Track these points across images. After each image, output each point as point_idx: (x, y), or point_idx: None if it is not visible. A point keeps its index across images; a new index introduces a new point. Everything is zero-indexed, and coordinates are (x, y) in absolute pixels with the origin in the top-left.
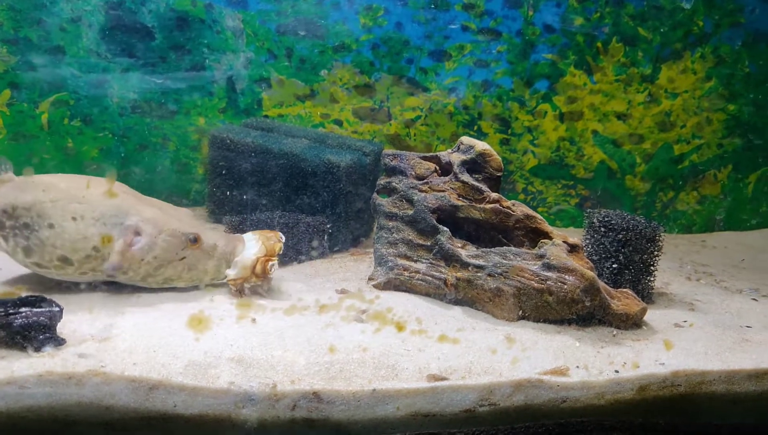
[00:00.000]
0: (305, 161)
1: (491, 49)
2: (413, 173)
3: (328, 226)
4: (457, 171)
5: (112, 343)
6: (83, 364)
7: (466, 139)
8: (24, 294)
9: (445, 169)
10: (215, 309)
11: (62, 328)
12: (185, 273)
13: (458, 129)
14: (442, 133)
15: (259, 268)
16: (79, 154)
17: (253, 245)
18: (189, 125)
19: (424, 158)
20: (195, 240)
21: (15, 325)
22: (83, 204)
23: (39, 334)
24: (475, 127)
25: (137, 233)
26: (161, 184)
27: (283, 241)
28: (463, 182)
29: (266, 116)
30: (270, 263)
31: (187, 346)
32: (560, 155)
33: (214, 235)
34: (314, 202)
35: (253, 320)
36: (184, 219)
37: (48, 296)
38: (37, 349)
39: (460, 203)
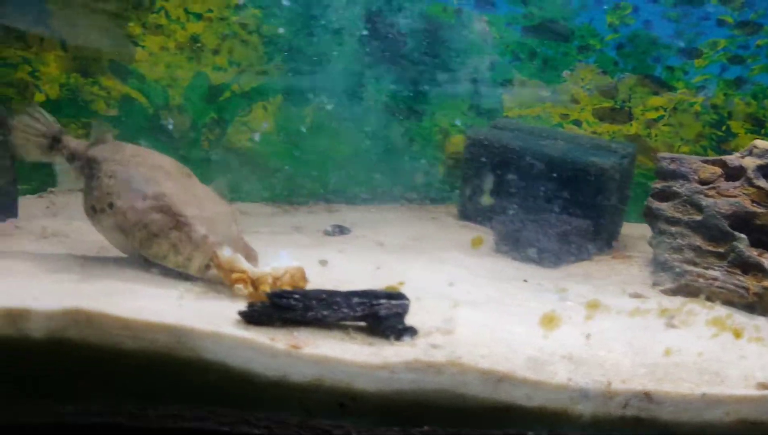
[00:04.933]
0: (567, 163)
1: (749, 44)
2: (696, 177)
3: (591, 228)
4: (752, 176)
5: (456, 336)
6: (439, 354)
7: (760, 143)
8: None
9: (731, 174)
10: (564, 308)
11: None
12: (171, 254)
13: (704, 129)
14: (686, 134)
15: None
16: (335, 153)
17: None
18: (434, 126)
19: (706, 162)
20: (182, 224)
21: (380, 315)
22: (122, 166)
23: (398, 324)
24: (723, 127)
25: (144, 199)
26: (406, 183)
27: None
28: (758, 188)
29: (506, 117)
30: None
31: (522, 341)
32: None
33: (212, 230)
34: (574, 204)
35: (589, 336)
36: (210, 208)
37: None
38: (397, 338)
39: (758, 210)
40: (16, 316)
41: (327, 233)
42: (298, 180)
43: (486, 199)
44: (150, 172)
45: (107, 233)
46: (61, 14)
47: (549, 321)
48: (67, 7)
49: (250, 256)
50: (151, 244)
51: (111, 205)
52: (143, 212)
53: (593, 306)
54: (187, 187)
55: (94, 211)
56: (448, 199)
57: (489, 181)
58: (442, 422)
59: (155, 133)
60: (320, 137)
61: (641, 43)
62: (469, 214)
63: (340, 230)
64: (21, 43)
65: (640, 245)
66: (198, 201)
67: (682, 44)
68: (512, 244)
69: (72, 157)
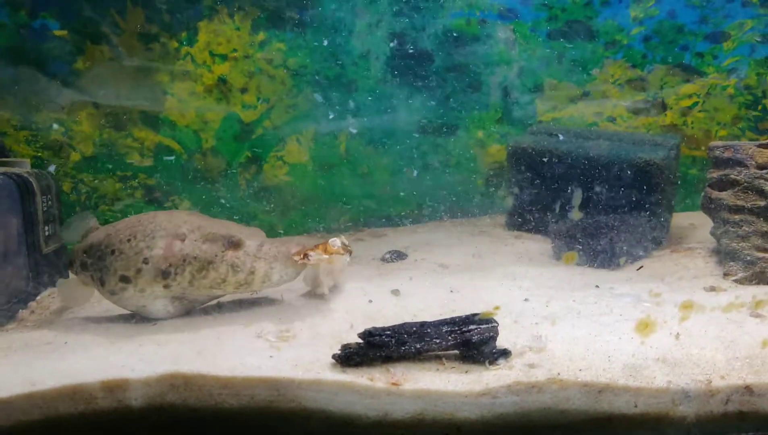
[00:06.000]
0: (618, 162)
1: None
2: (753, 163)
3: (648, 224)
4: None
5: (549, 353)
6: (538, 373)
7: None
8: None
9: None
10: (643, 311)
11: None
12: (231, 276)
13: (740, 111)
14: (721, 118)
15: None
16: (372, 177)
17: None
18: (468, 139)
19: (761, 146)
20: (235, 242)
21: (473, 341)
22: (137, 227)
23: (492, 348)
24: (759, 107)
25: (180, 239)
26: (447, 199)
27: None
28: None
29: (540, 121)
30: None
31: (615, 349)
32: None
33: (263, 240)
34: (628, 203)
35: (678, 336)
36: (243, 231)
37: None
38: (492, 362)
39: None
40: (113, 387)
41: (385, 260)
42: (339, 208)
43: (535, 207)
44: (170, 217)
45: (144, 299)
46: (90, 73)
47: (645, 327)
48: (96, 65)
49: (290, 240)
50: (206, 273)
51: (146, 261)
52: (190, 247)
53: (687, 307)
54: (210, 220)
55: (126, 280)
56: (490, 210)
57: (537, 189)
58: None
59: (192, 178)
60: (356, 163)
61: (667, 33)
62: (518, 223)
63: (398, 256)
64: (53, 105)
65: (693, 235)
66: (228, 226)
67: (708, 29)
68: (572, 250)
69: (70, 264)
